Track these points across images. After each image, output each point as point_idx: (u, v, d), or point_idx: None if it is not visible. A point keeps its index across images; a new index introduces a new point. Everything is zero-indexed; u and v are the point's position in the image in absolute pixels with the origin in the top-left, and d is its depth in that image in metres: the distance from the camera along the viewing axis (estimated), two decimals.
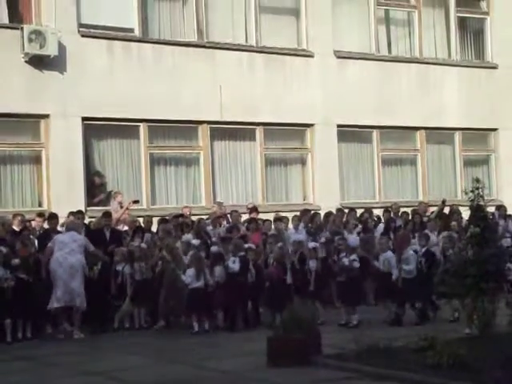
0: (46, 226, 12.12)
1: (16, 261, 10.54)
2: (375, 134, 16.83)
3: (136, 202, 13.34)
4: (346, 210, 14.76)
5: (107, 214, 12.33)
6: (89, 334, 10.63)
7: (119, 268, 11.32)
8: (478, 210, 9.24)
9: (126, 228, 12.59)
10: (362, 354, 7.90)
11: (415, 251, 11.27)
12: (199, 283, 10.87)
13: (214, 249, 11.63)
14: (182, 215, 13.26)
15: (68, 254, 10.65)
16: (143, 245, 11.64)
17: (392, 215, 14.74)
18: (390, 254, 11.19)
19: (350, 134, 16.52)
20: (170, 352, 9.47)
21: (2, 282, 10.33)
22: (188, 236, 12.07)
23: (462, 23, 18.19)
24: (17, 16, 13.46)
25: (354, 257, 11.08)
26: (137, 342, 10.20)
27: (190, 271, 11.02)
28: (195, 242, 11.67)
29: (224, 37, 15.26)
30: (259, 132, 15.57)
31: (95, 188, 14.00)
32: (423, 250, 11.38)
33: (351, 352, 8.08)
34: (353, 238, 12.01)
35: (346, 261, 11.06)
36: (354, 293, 10.89)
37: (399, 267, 10.92)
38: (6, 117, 13.00)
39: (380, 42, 17.09)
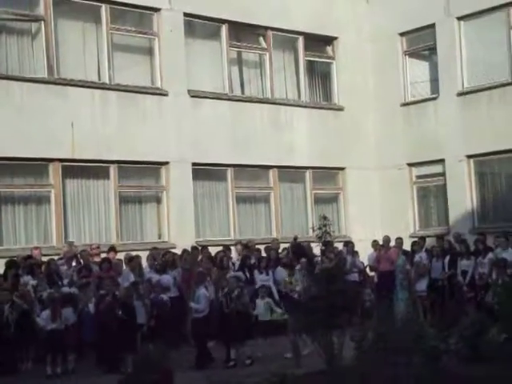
0: None
1: None
2: (229, 171, 17.08)
3: None
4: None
5: None
6: None
7: None
8: (327, 246, 9.60)
9: None
10: None
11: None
12: (55, 324, 10.57)
13: (65, 290, 11.37)
14: (30, 256, 12.77)
15: None
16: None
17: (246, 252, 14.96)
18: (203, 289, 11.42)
19: (204, 171, 16.67)
20: None
21: None
22: (27, 277, 11.69)
23: (311, 66, 18.98)
24: None
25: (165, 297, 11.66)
26: None
27: (45, 313, 10.69)
28: (32, 282, 11.39)
29: (76, 73, 15.03)
30: (113, 170, 15.36)
31: None
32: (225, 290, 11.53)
33: None
34: (166, 278, 12.27)
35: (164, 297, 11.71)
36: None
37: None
38: None
39: (233, 82, 17.46)
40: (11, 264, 12.23)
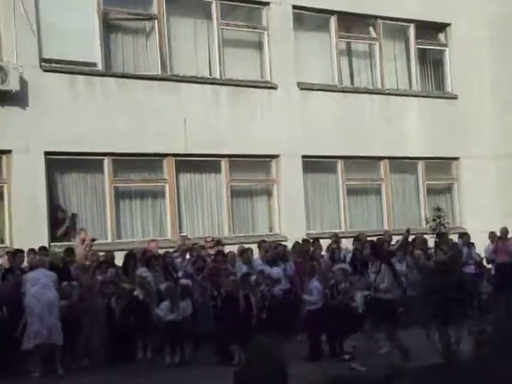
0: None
1: None
2: (340, 163, 16.96)
3: (93, 240, 13.13)
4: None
5: (70, 251, 12.18)
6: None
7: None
8: (442, 238, 9.36)
9: (88, 263, 12.43)
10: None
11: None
12: (173, 315, 10.84)
13: (183, 282, 11.66)
14: (146, 251, 13.15)
15: (43, 288, 10.51)
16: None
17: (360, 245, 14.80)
18: (315, 282, 11.29)
19: (314, 164, 16.63)
20: None
21: None
22: (142, 269, 12.00)
23: (422, 55, 18.53)
24: None
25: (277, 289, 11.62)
26: (98, 380, 10.00)
27: (164, 305, 11.00)
28: (146, 274, 11.71)
29: (188, 69, 15.34)
30: (225, 164, 15.59)
31: (58, 223, 13.83)
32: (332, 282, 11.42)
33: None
34: (276, 270, 12.18)
35: (275, 291, 11.72)
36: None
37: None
38: None
39: (342, 73, 17.31)
40: (130, 256, 12.63)
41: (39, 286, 10.52)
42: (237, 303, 11.02)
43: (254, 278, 12.15)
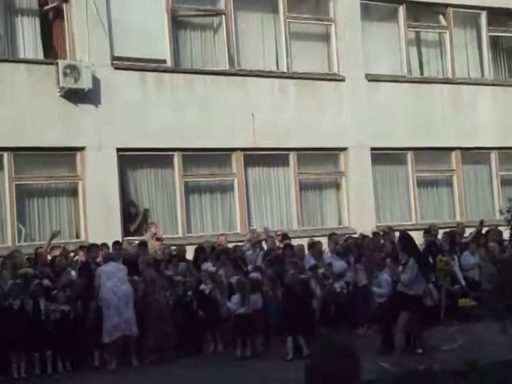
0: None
1: (59, 293, 10.65)
2: (409, 155, 16.74)
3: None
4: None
5: (142, 245, 12.42)
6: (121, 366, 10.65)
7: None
8: None
9: (161, 257, 12.64)
10: (402, 378, 7.76)
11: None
12: (244, 309, 10.93)
13: (253, 275, 11.74)
14: (216, 245, 13.28)
15: (119, 282, 10.76)
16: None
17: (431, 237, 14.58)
18: (385, 275, 11.12)
19: (383, 156, 16.46)
20: (210, 381, 9.42)
21: (48, 314, 10.42)
22: (207, 264, 12.10)
23: (494, 42, 18.08)
24: (52, 51, 13.75)
25: (340, 283, 11.60)
26: (172, 372, 10.17)
27: (235, 298, 11.09)
28: (211, 269, 11.81)
29: (255, 64, 15.39)
30: (293, 157, 15.59)
31: (130, 218, 14.11)
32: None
33: (391, 377, 7.95)
34: (339, 264, 12.03)
35: (337, 287, 11.57)
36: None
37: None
38: (43, 150, 13.24)
39: (412, 63, 17.06)
40: (200, 250, 12.78)
41: (115, 280, 10.75)
42: (296, 297, 11.02)
43: (321, 270, 12.13)
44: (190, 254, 12.87)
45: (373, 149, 16.14)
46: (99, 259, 12.02)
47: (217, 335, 11.59)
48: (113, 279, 10.76)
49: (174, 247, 13.00)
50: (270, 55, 15.66)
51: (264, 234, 13.89)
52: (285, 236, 14.12)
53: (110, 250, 12.00)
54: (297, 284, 11.16)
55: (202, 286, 11.72)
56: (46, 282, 10.97)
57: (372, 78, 16.29)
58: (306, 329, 10.67)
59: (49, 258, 11.89)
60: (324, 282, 11.80)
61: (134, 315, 10.73)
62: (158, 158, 14.37)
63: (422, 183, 16.94)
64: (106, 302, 10.74)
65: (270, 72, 15.46)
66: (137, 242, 12.92)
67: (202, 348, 11.46)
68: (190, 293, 11.56)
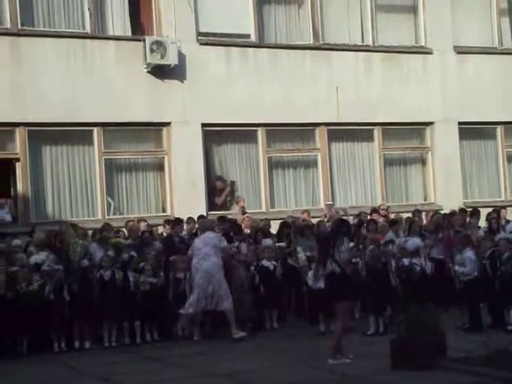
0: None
1: (146, 265, 10.91)
2: (499, 130, 16.25)
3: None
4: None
5: (222, 219, 12.54)
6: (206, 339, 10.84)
7: (180, 276, 11.08)
8: None
9: (248, 231, 12.73)
10: (490, 357, 7.61)
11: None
12: (321, 284, 10.90)
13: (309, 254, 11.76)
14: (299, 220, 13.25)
15: (202, 259, 10.78)
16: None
17: None
18: (468, 253, 10.80)
19: (472, 130, 16.03)
20: (291, 354, 9.48)
21: (137, 286, 10.69)
22: (268, 240, 12.03)
23: None
24: (139, 28, 13.97)
25: (415, 260, 11.25)
26: (259, 344, 10.28)
27: (311, 273, 11.07)
28: (269, 242, 11.78)
29: (340, 37, 15.20)
30: (377, 132, 15.38)
31: (218, 192, 14.26)
32: (488, 252, 10.90)
33: (479, 356, 7.81)
34: (411, 242, 11.76)
35: (405, 261, 11.24)
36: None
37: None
38: (130, 125, 13.51)
39: (503, 34, 16.47)
40: (284, 225, 12.82)
41: (200, 257, 10.82)
42: (375, 273, 10.91)
43: (392, 248, 11.91)
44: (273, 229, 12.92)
45: (460, 123, 15.74)
46: (184, 233, 12.21)
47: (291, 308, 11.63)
48: (199, 255, 10.83)
49: (261, 221, 13.06)
50: (355, 28, 15.43)
51: (328, 209, 13.69)
52: (374, 210, 13.97)
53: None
54: (374, 260, 11.04)
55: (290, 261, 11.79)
56: (134, 254, 11.23)
57: (461, 51, 15.85)
58: (385, 305, 10.61)
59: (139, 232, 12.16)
60: (391, 260, 11.55)
61: (220, 290, 10.70)
62: (242, 133, 14.45)
63: (510, 158, 16.42)
64: (192, 277, 10.89)
65: (355, 45, 15.24)
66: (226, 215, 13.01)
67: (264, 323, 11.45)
68: (252, 268, 11.54)
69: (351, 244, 10.38)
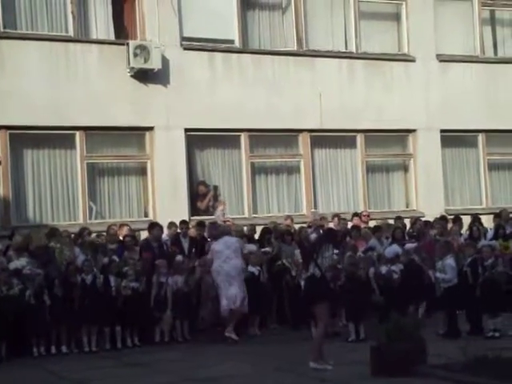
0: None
1: (128, 270, 10.87)
2: (481, 137, 16.37)
3: None
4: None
5: (201, 224, 12.55)
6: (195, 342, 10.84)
7: (162, 280, 11.09)
8: None
9: None
10: (469, 364, 7.65)
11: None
12: None
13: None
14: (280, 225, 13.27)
15: (223, 262, 10.92)
16: (179, 257, 11.47)
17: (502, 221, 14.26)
18: (449, 260, 10.85)
19: (454, 138, 16.14)
20: (273, 359, 9.48)
21: (119, 290, 10.66)
22: (251, 245, 12.11)
23: None
24: (123, 32, 13.94)
25: (393, 267, 11.35)
26: (237, 349, 10.27)
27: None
28: (253, 247, 11.89)
29: (323, 44, 15.25)
30: (360, 139, 15.44)
31: (200, 197, 14.24)
32: (469, 259, 10.98)
33: (458, 362, 7.84)
34: (389, 249, 11.87)
35: (383, 269, 11.32)
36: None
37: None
38: (113, 130, 13.47)
39: (485, 43, 16.62)
40: (266, 231, 12.82)
41: (221, 260, 10.92)
42: (353, 280, 10.94)
43: (372, 253, 12.00)
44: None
45: (443, 131, 15.84)
46: (164, 238, 12.18)
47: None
48: (220, 258, 10.94)
49: (245, 227, 13.06)
50: (338, 35, 15.50)
51: (313, 217, 13.73)
52: (355, 214, 14.05)
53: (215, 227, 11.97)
54: (352, 266, 11.07)
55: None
56: (115, 258, 11.19)
57: (444, 59, 15.97)
58: (365, 312, 10.64)
59: (120, 237, 12.13)
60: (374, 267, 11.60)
61: (240, 291, 10.86)
62: (225, 138, 14.45)
63: (493, 166, 16.58)
64: (214, 281, 10.98)
65: (339, 52, 15.31)
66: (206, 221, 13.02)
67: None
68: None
69: (335, 251, 10.40)
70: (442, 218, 14.25)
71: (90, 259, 10.81)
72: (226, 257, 10.91)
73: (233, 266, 10.92)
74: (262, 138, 14.76)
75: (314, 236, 13.08)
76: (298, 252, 12.15)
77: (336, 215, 14.07)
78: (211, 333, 11.14)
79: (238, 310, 10.87)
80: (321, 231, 13.23)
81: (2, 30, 12.79)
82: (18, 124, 12.71)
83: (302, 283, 10.83)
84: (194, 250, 12.19)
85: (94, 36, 13.61)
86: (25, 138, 12.96)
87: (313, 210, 14.49)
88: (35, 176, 13.04)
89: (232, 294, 10.79)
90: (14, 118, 12.63)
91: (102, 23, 13.66)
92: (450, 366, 7.88)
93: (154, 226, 12.14)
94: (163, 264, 11.17)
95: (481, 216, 14.78)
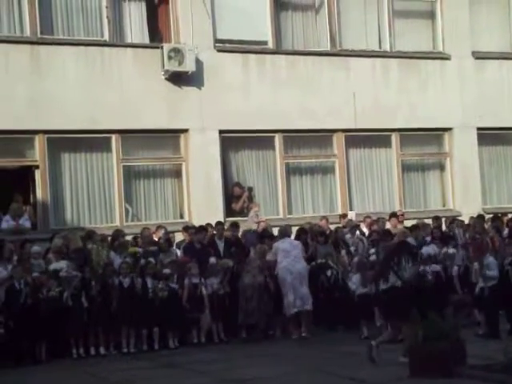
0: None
1: (167, 271, 10.95)
2: None
3: None
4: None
5: (234, 225, 12.62)
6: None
7: (195, 281, 11.13)
8: None
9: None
10: (510, 365, 7.54)
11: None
12: (365, 289, 10.89)
13: (356, 259, 11.68)
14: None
15: (293, 261, 11.11)
16: (212, 259, 11.45)
17: None
18: (490, 258, 10.73)
19: (491, 136, 15.94)
20: (308, 361, 9.45)
21: (156, 292, 10.73)
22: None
23: None
24: (157, 35, 14.04)
25: (427, 268, 11.20)
26: (275, 351, 10.27)
27: (355, 277, 11.08)
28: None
29: (357, 43, 15.18)
30: (395, 138, 15.33)
31: (235, 199, 14.27)
32: (510, 258, 10.79)
33: (498, 363, 7.74)
34: (423, 250, 11.73)
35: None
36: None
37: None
38: (149, 132, 13.57)
39: None
40: (301, 231, 12.80)
41: (291, 259, 11.03)
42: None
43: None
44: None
45: (479, 129, 15.66)
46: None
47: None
48: (289, 257, 11.04)
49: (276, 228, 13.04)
50: (372, 34, 15.41)
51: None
52: (393, 214, 13.97)
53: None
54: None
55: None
56: (151, 260, 11.28)
57: (479, 56, 15.78)
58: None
59: (155, 238, 12.21)
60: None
61: (308, 291, 11.03)
62: (259, 139, 14.46)
63: None
64: (282, 279, 11.07)
65: (373, 51, 15.22)
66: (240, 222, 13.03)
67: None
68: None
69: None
70: (480, 217, 14.08)
71: (126, 262, 10.89)
72: (294, 256, 11.10)
73: (303, 265, 11.15)
74: (296, 138, 14.75)
75: (348, 237, 13.12)
76: (344, 252, 12.15)
77: (368, 217, 13.98)
78: (247, 333, 11.16)
79: (307, 310, 10.96)
80: (357, 232, 13.26)
81: (39, 35, 12.97)
82: (56, 128, 12.87)
83: (353, 286, 10.91)
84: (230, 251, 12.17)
85: (128, 40, 13.73)
86: (62, 142, 13.13)
87: (350, 211, 14.41)
88: (72, 179, 13.20)
89: (304, 294, 10.93)
90: (51, 122, 12.80)
91: (136, 27, 13.78)
92: (490, 367, 7.79)
93: (199, 230, 12.12)
94: (194, 266, 11.22)
95: None
